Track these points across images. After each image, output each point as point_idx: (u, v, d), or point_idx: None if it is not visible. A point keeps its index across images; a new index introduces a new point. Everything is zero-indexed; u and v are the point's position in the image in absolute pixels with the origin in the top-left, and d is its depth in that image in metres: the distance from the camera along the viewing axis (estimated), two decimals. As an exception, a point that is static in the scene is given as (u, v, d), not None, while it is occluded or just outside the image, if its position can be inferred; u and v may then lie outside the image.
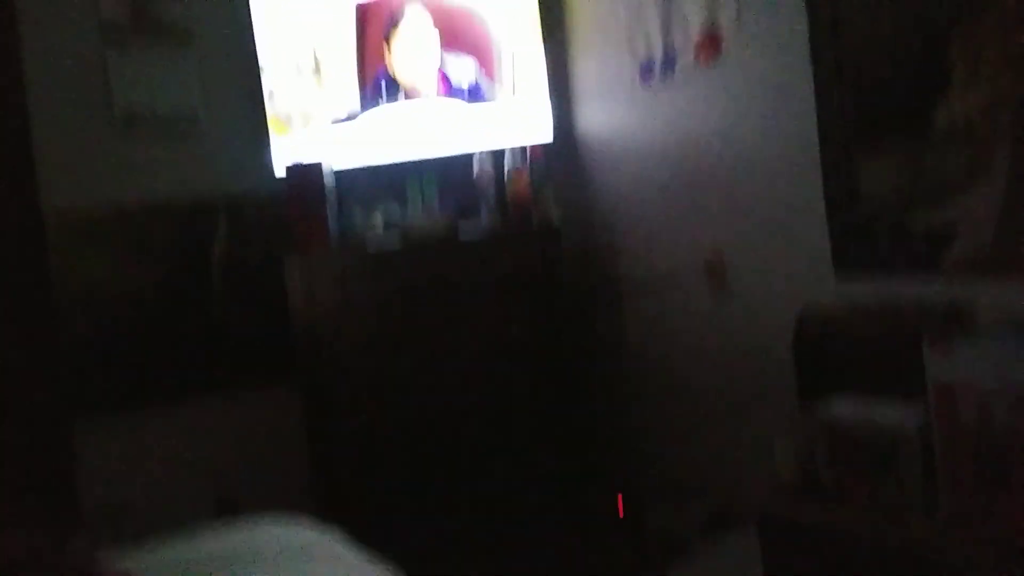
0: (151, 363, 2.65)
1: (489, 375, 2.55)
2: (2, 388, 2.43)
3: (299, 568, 1.62)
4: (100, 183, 2.62)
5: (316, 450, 2.62)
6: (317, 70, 2.74)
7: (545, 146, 2.78)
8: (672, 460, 2.73)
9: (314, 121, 2.73)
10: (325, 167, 2.55)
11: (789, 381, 1.88)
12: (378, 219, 2.65)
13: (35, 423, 2.49)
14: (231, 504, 2.55)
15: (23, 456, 2.45)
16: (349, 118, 2.74)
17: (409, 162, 2.79)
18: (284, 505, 2.12)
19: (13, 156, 2.50)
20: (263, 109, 2.72)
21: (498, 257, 2.58)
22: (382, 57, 2.76)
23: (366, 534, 1.88)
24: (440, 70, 2.78)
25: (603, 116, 2.85)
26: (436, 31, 2.75)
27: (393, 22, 2.74)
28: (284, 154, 2.67)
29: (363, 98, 2.76)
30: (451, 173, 2.81)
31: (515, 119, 2.81)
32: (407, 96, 2.77)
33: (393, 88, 2.77)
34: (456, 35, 2.80)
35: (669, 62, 2.50)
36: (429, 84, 2.78)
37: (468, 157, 2.72)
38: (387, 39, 2.75)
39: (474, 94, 2.80)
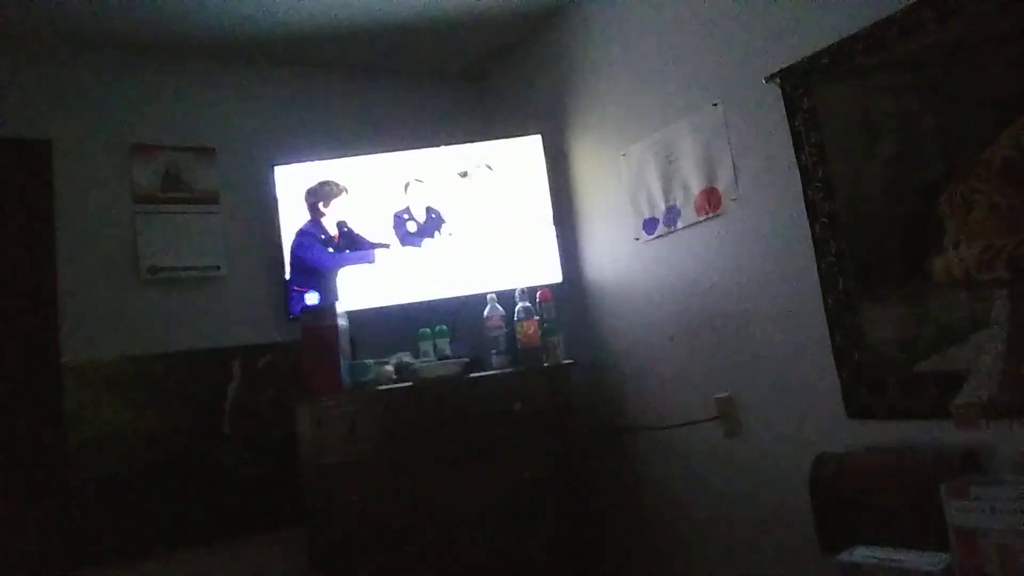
0: (161, 508, 2.63)
1: (499, 515, 2.50)
2: (15, 534, 2.40)
3: None
4: (120, 334, 2.72)
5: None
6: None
7: (554, 288, 2.88)
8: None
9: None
10: (339, 307, 2.62)
11: (807, 525, 1.86)
12: (389, 361, 2.70)
13: (48, 569, 2.43)
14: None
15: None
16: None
17: (422, 302, 2.89)
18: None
19: (38, 310, 2.60)
20: (282, 261, 2.87)
21: (509, 396, 2.60)
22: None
23: None
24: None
25: (610, 262, 2.96)
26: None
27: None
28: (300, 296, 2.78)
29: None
30: (462, 314, 2.90)
31: (526, 262, 2.96)
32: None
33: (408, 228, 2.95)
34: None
35: (671, 217, 2.64)
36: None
37: (480, 297, 2.81)
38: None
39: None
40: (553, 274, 2.98)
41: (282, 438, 2.70)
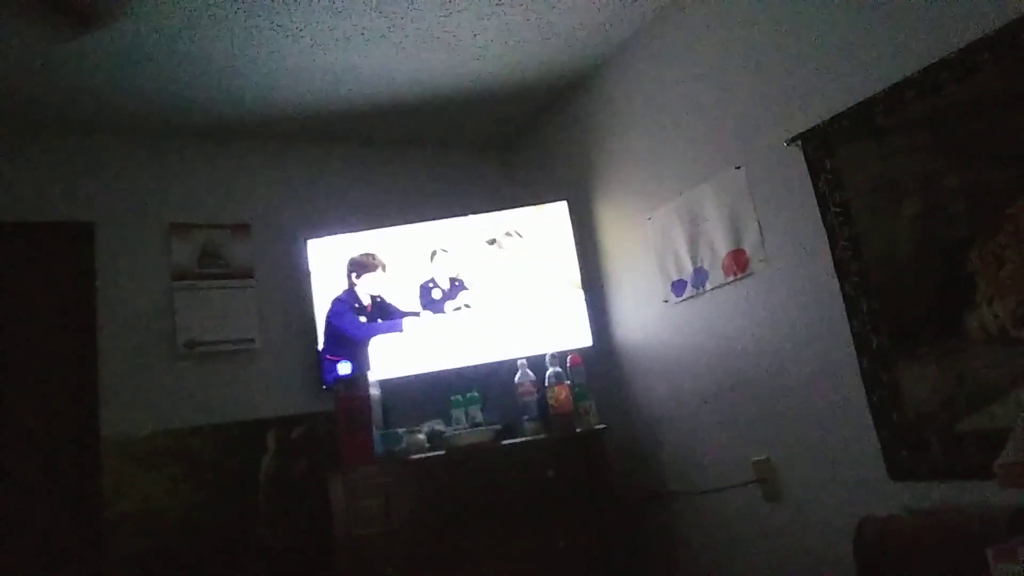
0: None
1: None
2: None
3: None
4: (158, 408, 2.77)
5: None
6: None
7: (584, 352, 2.88)
8: None
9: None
10: (371, 377, 2.65)
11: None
12: (421, 429, 2.71)
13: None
14: None
15: None
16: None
17: (452, 369, 2.91)
18: None
19: (80, 385, 2.67)
20: (315, 332, 2.92)
21: (542, 462, 2.58)
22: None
23: None
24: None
25: (639, 325, 2.96)
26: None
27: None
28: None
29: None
30: (493, 380, 2.91)
31: (555, 327, 2.98)
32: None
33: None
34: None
35: (699, 279, 2.65)
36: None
37: (510, 363, 2.82)
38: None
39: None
40: (583, 338, 2.99)
41: (316, 510, 2.70)
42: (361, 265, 3.03)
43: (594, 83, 3.16)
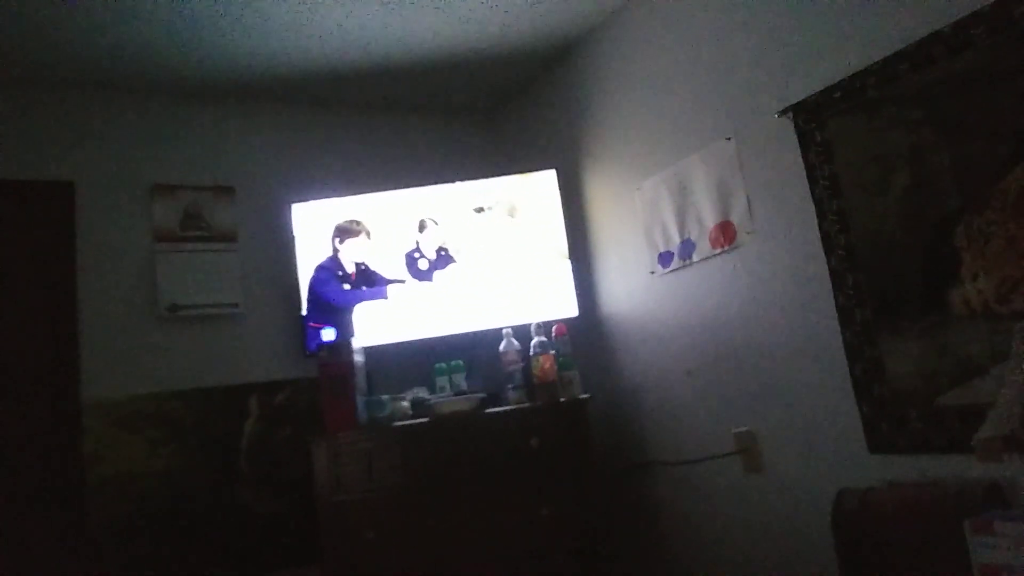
0: (179, 547, 2.62)
1: (516, 552, 2.48)
2: (34, 573, 2.40)
3: None
4: (139, 371, 2.75)
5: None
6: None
7: (570, 322, 2.87)
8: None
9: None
10: (355, 344, 2.63)
11: (830, 562, 1.82)
12: (405, 397, 2.70)
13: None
14: None
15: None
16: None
17: (437, 337, 2.90)
18: None
19: (60, 348, 2.64)
20: (299, 298, 2.90)
21: (525, 431, 2.59)
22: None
23: None
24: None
25: (625, 296, 2.96)
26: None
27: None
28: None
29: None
30: (478, 349, 2.91)
31: (541, 297, 2.97)
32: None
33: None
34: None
35: (686, 250, 2.64)
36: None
37: (495, 332, 2.81)
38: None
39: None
40: (569, 308, 2.99)
41: (299, 475, 2.70)
42: (345, 231, 3.00)
43: (585, 50, 3.12)
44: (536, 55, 3.22)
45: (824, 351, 2.15)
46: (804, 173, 2.19)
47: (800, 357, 2.24)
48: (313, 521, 2.53)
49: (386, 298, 2.97)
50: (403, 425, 2.56)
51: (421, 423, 2.56)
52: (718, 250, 2.51)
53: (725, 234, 2.49)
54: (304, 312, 2.94)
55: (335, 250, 2.99)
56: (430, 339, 2.93)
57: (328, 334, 2.89)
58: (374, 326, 2.93)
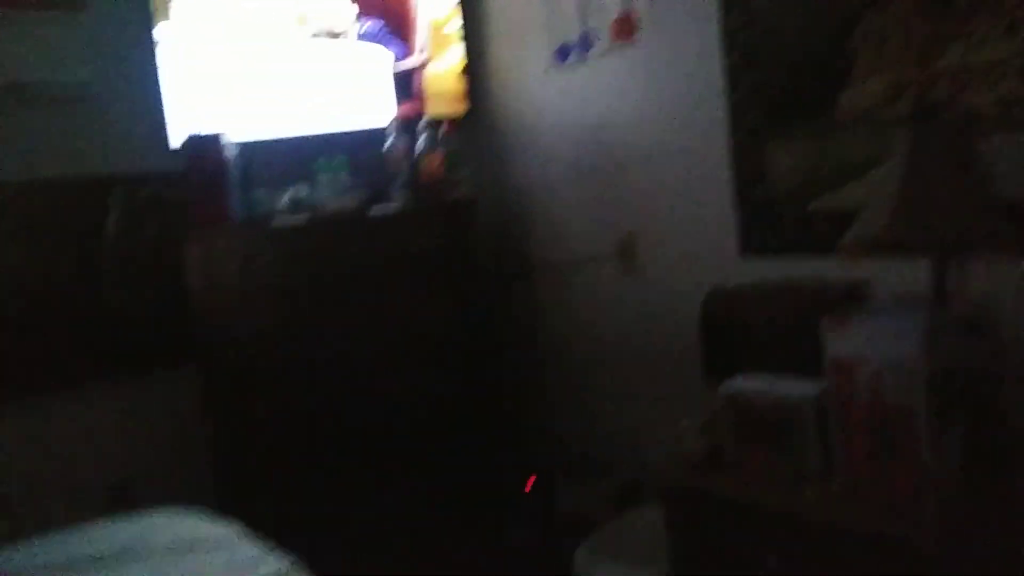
0: (39, 348, 2.48)
1: (399, 355, 2.50)
2: None
3: (192, 560, 1.55)
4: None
5: (217, 438, 2.50)
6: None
7: (459, 121, 2.74)
8: (582, 438, 2.76)
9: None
10: (226, 138, 2.43)
11: (696, 360, 1.91)
12: (284, 194, 2.55)
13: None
14: (127, 497, 2.43)
15: None
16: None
17: (318, 135, 2.71)
18: (183, 497, 2.04)
19: None
20: (158, 78, 2.59)
21: (411, 232, 2.53)
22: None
23: (268, 525, 1.81)
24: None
25: (518, 93, 2.83)
26: None
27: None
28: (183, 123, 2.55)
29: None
30: (364, 148, 2.74)
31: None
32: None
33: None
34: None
35: (584, 45, 2.50)
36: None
37: (380, 131, 2.65)
38: None
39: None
40: (455, 103, 2.83)
41: (169, 276, 2.56)
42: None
43: None
44: None
45: (711, 155, 2.14)
46: (712, -36, 2.05)
47: (687, 160, 2.23)
48: (184, 322, 2.44)
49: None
50: (281, 225, 2.43)
51: (301, 222, 2.45)
52: (618, 44, 2.38)
53: (625, 28, 2.35)
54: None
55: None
56: (313, 137, 2.73)
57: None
58: (250, 119, 2.68)
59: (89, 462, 2.50)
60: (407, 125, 2.64)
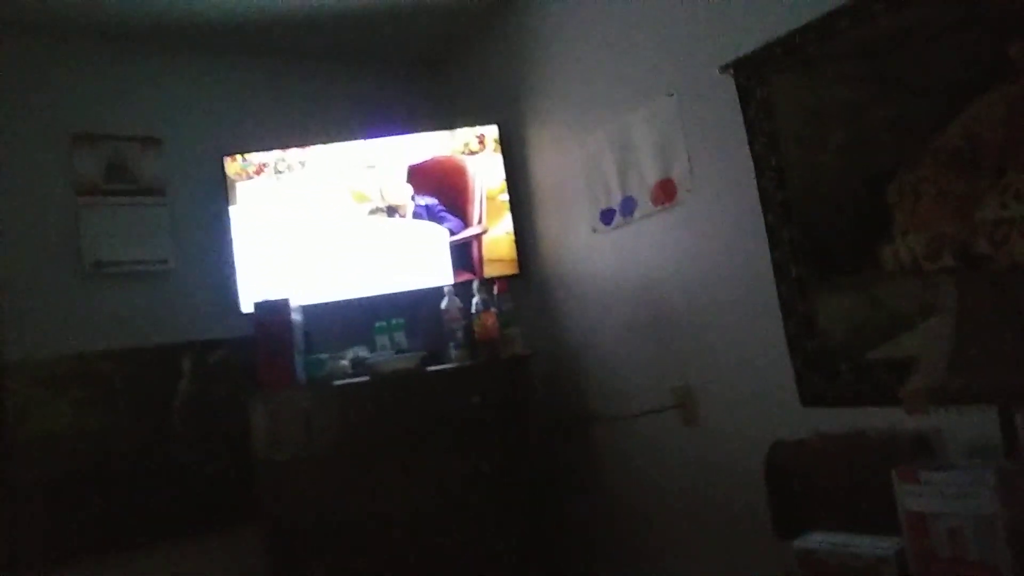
0: (111, 508, 2.54)
1: (459, 511, 2.49)
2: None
3: None
4: (64, 330, 2.63)
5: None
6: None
7: (512, 280, 2.86)
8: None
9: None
10: (292, 302, 2.57)
11: (758, 513, 1.87)
12: (346, 353, 2.66)
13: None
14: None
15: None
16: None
17: (377, 296, 2.85)
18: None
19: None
20: (231, 253, 2.81)
21: (468, 388, 2.58)
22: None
23: None
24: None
25: (567, 253, 2.95)
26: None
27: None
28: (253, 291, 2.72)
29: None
30: (420, 308, 2.87)
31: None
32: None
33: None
34: (427, 178, 2.97)
35: (628, 207, 2.64)
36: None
37: (436, 291, 2.78)
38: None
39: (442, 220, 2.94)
40: (510, 266, 2.97)
41: (235, 435, 2.64)
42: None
43: (528, 3, 3.05)
44: (478, 7, 3.13)
45: (759, 307, 2.19)
46: (744, 130, 2.20)
47: (736, 313, 2.28)
48: (250, 481, 2.49)
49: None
50: (343, 384, 2.52)
51: (361, 381, 2.53)
52: (659, 208, 2.51)
53: (666, 192, 2.48)
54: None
55: (270, 205, 2.88)
56: (371, 297, 2.87)
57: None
58: (314, 284, 2.85)
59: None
60: (462, 286, 2.77)
